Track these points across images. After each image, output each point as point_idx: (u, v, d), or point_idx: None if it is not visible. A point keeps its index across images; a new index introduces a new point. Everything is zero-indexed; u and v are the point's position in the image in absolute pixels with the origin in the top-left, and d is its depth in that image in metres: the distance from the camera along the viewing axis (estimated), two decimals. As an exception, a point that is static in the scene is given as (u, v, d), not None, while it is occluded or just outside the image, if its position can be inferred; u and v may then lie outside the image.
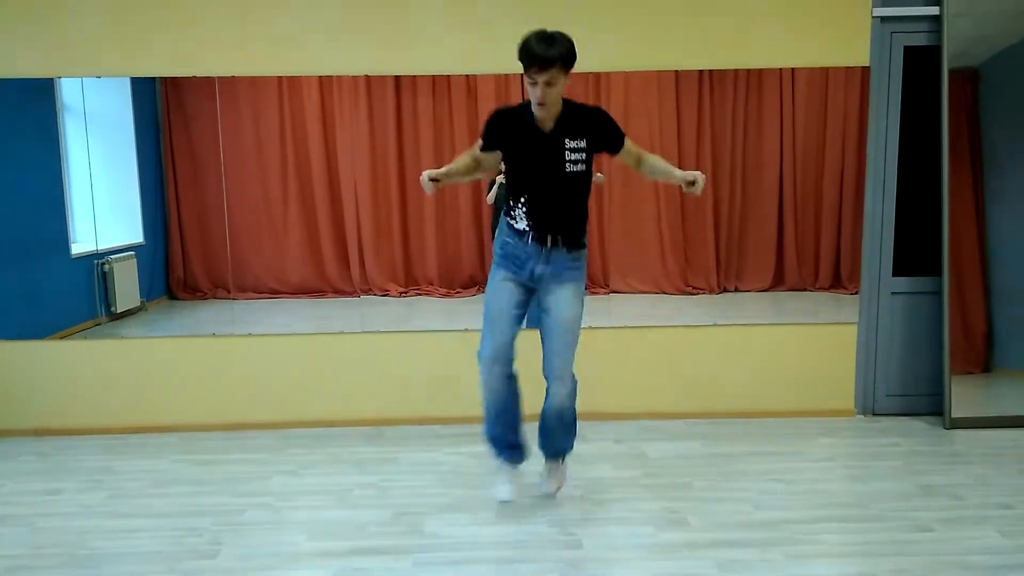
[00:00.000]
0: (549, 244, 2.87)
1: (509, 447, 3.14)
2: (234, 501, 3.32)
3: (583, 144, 2.83)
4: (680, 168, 2.96)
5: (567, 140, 2.81)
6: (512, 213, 2.92)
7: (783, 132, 4.47)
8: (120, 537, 3.00)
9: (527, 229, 2.87)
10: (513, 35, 4.05)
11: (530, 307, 3.03)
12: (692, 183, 2.80)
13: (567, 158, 2.82)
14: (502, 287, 2.95)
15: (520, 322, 2.99)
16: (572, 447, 3.24)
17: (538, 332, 3.02)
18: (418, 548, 2.89)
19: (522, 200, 2.87)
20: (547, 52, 2.63)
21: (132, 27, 4.00)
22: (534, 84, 2.68)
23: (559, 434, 3.13)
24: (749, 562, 2.74)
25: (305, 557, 2.84)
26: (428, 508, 3.22)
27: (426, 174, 2.81)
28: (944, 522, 3.02)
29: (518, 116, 2.87)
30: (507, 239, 2.95)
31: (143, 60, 4.03)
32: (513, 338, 2.96)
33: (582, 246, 2.95)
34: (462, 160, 2.95)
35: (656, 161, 2.99)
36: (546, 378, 3.00)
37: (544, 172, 2.84)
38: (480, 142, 2.96)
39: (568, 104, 2.85)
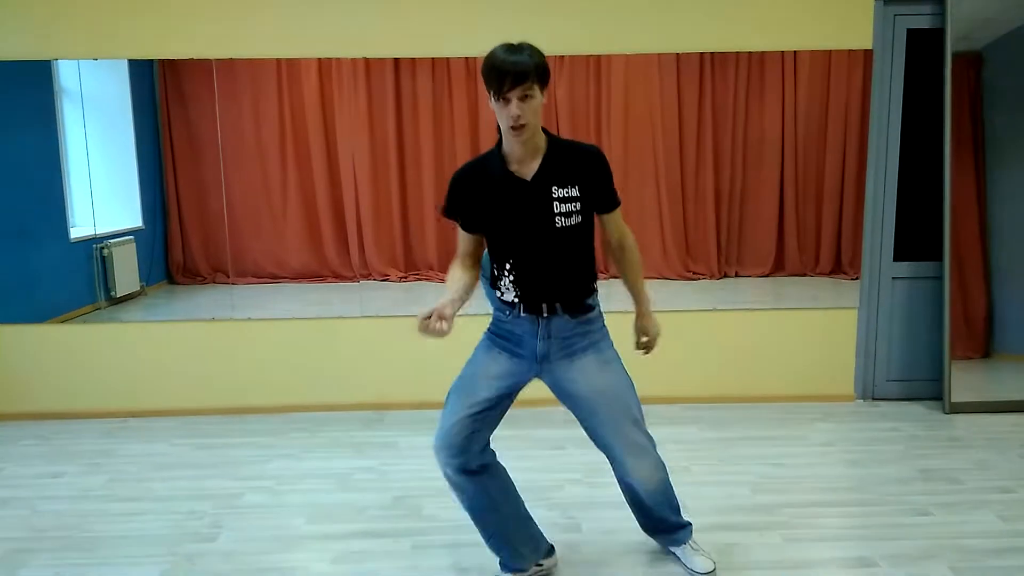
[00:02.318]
0: (545, 313, 2.27)
1: (504, 555, 2.52)
2: (234, 484, 3.32)
3: (575, 192, 2.22)
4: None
5: (554, 188, 2.20)
6: (498, 284, 2.33)
7: (784, 116, 4.44)
8: (120, 520, 3.01)
9: (516, 300, 2.29)
10: (515, 15, 4.05)
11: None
12: (646, 339, 2.42)
13: (556, 211, 2.21)
14: (487, 359, 2.34)
15: (494, 416, 2.34)
16: (685, 523, 2.64)
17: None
18: (417, 531, 2.90)
19: (507, 267, 2.27)
20: (517, 60, 2.07)
21: (129, 9, 3.97)
22: (506, 103, 2.09)
23: (668, 505, 2.57)
24: (747, 546, 2.74)
25: (305, 540, 2.85)
26: (427, 492, 3.23)
27: (430, 318, 2.04)
28: (943, 506, 3.03)
29: (486, 167, 2.26)
30: (498, 313, 2.37)
31: (141, 42, 4.01)
32: (470, 420, 2.29)
33: (589, 308, 2.33)
34: (450, 278, 2.31)
35: (635, 262, 2.41)
36: (617, 470, 2.42)
37: (529, 231, 2.23)
38: (457, 227, 2.35)
39: (554, 141, 2.25)
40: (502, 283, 2.31)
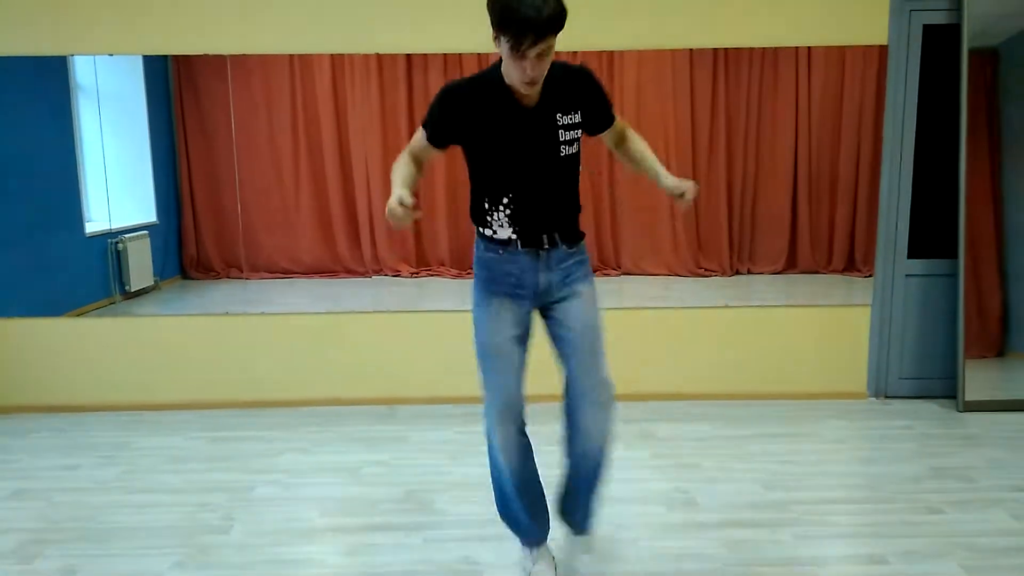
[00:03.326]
0: (546, 244, 2.19)
1: (539, 525, 2.46)
2: (247, 478, 3.35)
3: (577, 118, 2.15)
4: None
5: (559, 115, 2.11)
6: (488, 220, 2.21)
7: (798, 112, 4.42)
8: (135, 512, 3.04)
9: (512, 237, 2.18)
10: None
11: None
12: (682, 194, 2.18)
13: (561, 139, 2.12)
14: (499, 316, 2.22)
15: (526, 360, 2.28)
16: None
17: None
18: (429, 525, 2.91)
19: (504, 202, 2.16)
20: (542, 13, 1.86)
21: (144, 5, 3.99)
22: (522, 58, 1.93)
23: (595, 490, 2.38)
24: (758, 542, 2.74)
25: (317, 533, 2.86)
26: (439, 486, 3.24)
27: (398, 204, 1.96)
28: (955, 504, 3.01)
29: (484, 90, 2.10)
30: (488, 254, 2.23)
31: (155, 38, 4.03)
32: (523, 382, 2.28)
33: (581, 235, 2.29)
34: (402, 171, 2.18)
35: (644, 148, 2.31)
36: (575, 407, 2.25)
37: (532, 161, 2.13)
38: (422, 134, 2.20)
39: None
40: (494, 219, 2.19)
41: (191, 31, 4.03)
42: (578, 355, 2.22)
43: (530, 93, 2.07)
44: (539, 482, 2.42)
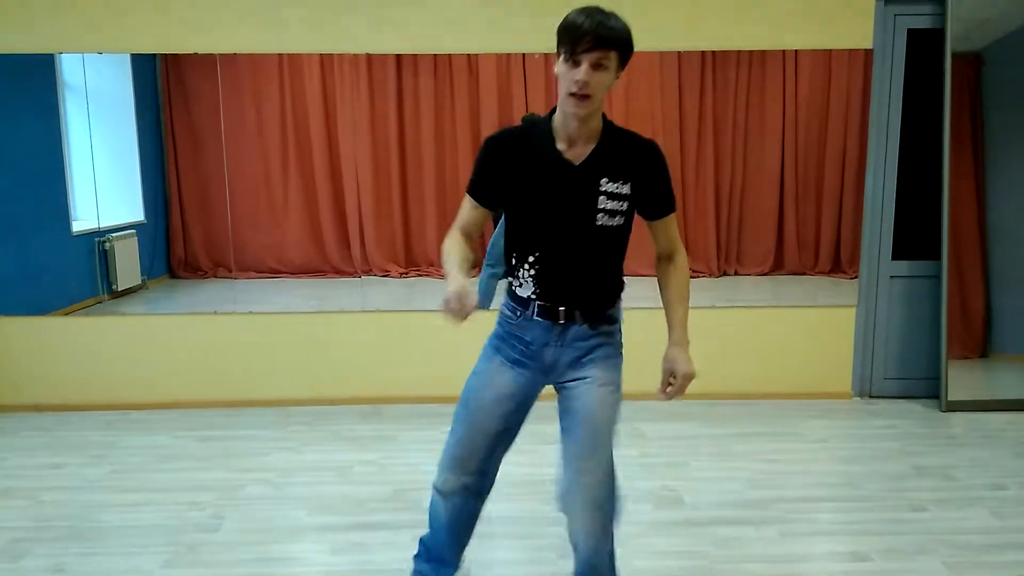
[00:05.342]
0: (562, 319, 2.00)
1: (440, 563, 2.35)
2: (235, 476, 3.35)
3: (625, 190, 1.94)
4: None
5: (603, 181, 1.92)
6: (515, 274, 2.04)
7: (785, 115, 4.46)
8: (123, 511, 3.03)
9: (531, 297, 2.00)
10: (515, 12, 4.07)
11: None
12: (673, 379, 2.09)
13: (600, 206, 1.93)
14: (495, 372, 2.06)
15: (511, 436, 2.12)
16: None
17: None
18: (417, 523, 2.90)
19: (530, 260, 1.98)
20: (603, 21, 1.80)
21: (132, 3, 3.99)
22: (575, 65, 1.80)
23: None
24: (744, 539, 2.77)
25: (305, 531, 2.87)
26: (426, 485, 3.22)
27: (457, 297, 1.78)
28: (937, 502, 3.05)
29: (527, 139, 1.97)
30: (506, 312, 2.08)
31: (143, 37, 4.03)
32: (494, 452, 2.12)
33: (612, 320, 2.08)
34: (457, 252, 1.98)
35: (682, 284, 2.13)
36: (567, 508, 2.00)
37: (564, 223, 1.94)
38: (468, 197, 2.05)
39: (611, 127, 1.97)
40: (520, 274, 2.02)
41: (180, 30, 4.03)
42: (568, 441, 2.00)
43: (575, 126, 1.90)
44: (469, 532, 2.33)
